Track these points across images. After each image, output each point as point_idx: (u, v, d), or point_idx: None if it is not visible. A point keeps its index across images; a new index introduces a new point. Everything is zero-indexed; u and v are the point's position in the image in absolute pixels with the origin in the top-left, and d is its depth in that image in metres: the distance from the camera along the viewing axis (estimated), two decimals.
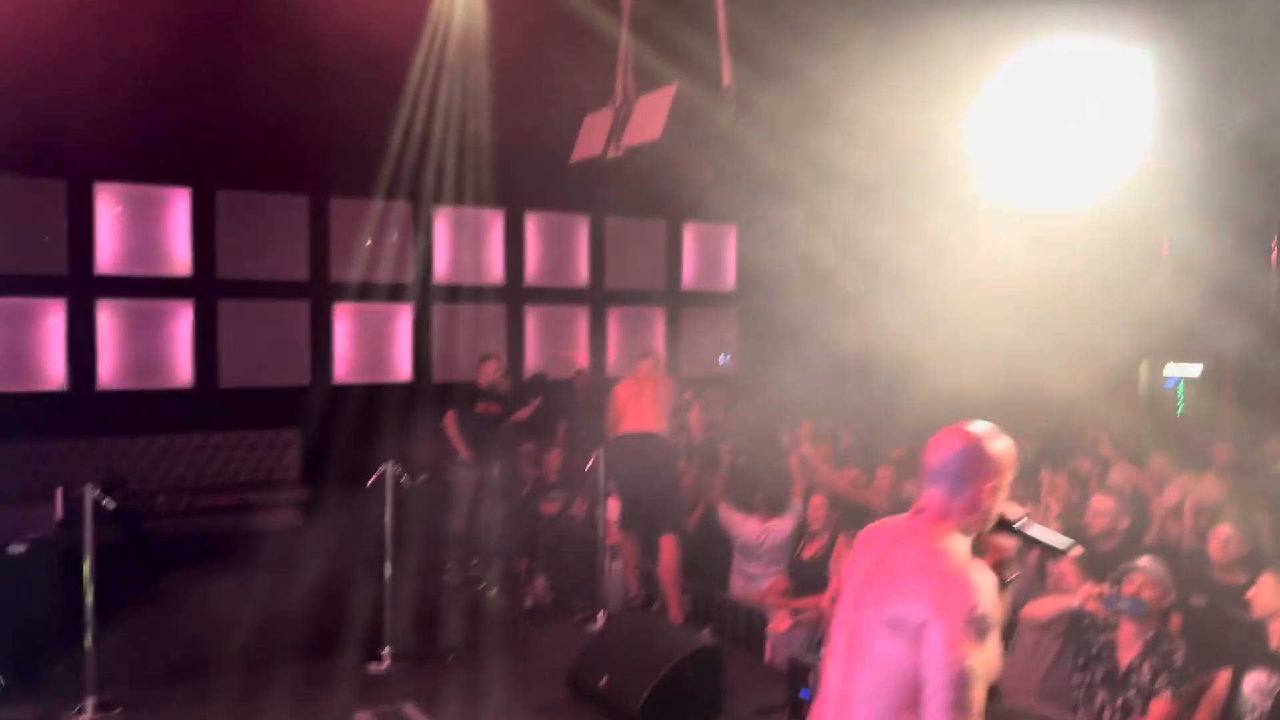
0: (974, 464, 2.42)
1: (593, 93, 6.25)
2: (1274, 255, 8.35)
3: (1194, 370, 11.43)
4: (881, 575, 2.40)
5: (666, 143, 5.12)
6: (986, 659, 2.25)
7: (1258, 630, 4.09)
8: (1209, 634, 4.40)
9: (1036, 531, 2.55)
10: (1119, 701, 4.18)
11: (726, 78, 5.40)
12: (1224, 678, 4.13)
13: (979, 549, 2.50)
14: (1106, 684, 4.23)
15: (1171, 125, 6.32)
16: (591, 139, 6.01)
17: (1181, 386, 11.90)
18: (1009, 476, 2.47)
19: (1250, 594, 4.13)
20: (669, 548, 6.24)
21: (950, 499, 2.42)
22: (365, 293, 10.83)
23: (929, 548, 2.36)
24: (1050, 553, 2.63)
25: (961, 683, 2.19)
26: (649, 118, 5.34)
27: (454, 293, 11.44)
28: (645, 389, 6.51)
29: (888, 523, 2.58)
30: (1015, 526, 2.53)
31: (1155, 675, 4.08)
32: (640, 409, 6.36)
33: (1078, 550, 2.70)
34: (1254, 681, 4.02)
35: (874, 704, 2.31)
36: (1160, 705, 4.03)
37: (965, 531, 2.43)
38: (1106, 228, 6.70)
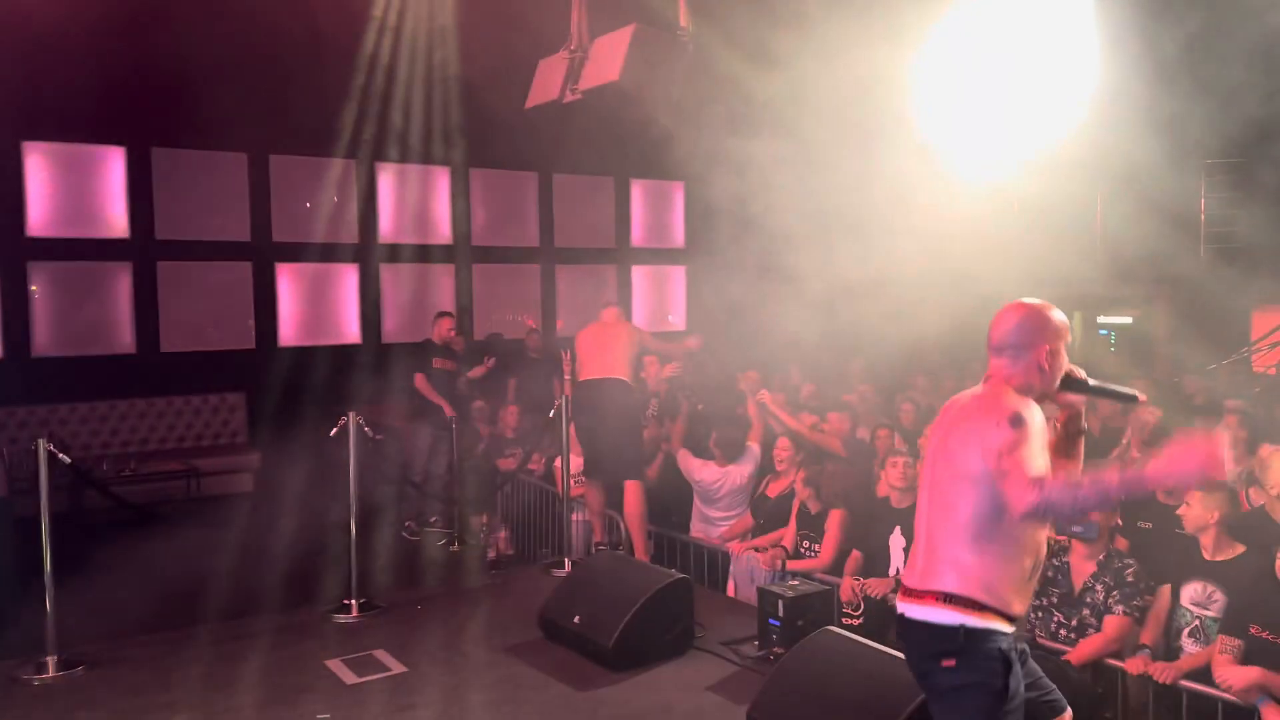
0: (1032, 331, 2.66)
1: (548, 38, 6.15)
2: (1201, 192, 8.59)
3: (1124, 320, 11.87)
4: (949, 435, 2.69)
5: (625, 83, 5.09)
6: (1037, 448, 2.49)
7: (1191, 545, 4.29)
8: (1153, 553, 4.59)
9: (1102, 383, 2.76)
10: (1074, 621, 4.34)
11: (684, 19, 5.38)
12: (1165, 592, 4.32)
13: (1051, 411, 2.70)
14: (1062, 605, 4.40)
15: (1113, 51, 6.44)
16: (547, 84, 5.93)
17: (1113, 336, 12.36)
18: (1066, 340, 2.69)
19: (1181, 510, 4.33)
20: (633, 492, 6.29)
21: (1013, 364, 2.66)
22: (310, 253, 10.62)
23: (983, 400, 2.65)
24: (1121, 400, 2.82)
25: (1023, 461, 2.43)
26: (607, 59, 5.28)
27: (401, 252, 11.28)
28: (606, 335, 6.46)
29: (961, 394, 2.84)
30: (1082, 381, 2.72)
31: (1109, 593, 4.26)
32: (601, 355, 6.31)
33: (1144, 400, 2.90)
34: (1190, 593, 4.21)
35: (952, 539, 2.60)
36: (1114, 620, 4.19)
37: (1026, 392, 2.64)
38: (1056, 163, 6.85)
